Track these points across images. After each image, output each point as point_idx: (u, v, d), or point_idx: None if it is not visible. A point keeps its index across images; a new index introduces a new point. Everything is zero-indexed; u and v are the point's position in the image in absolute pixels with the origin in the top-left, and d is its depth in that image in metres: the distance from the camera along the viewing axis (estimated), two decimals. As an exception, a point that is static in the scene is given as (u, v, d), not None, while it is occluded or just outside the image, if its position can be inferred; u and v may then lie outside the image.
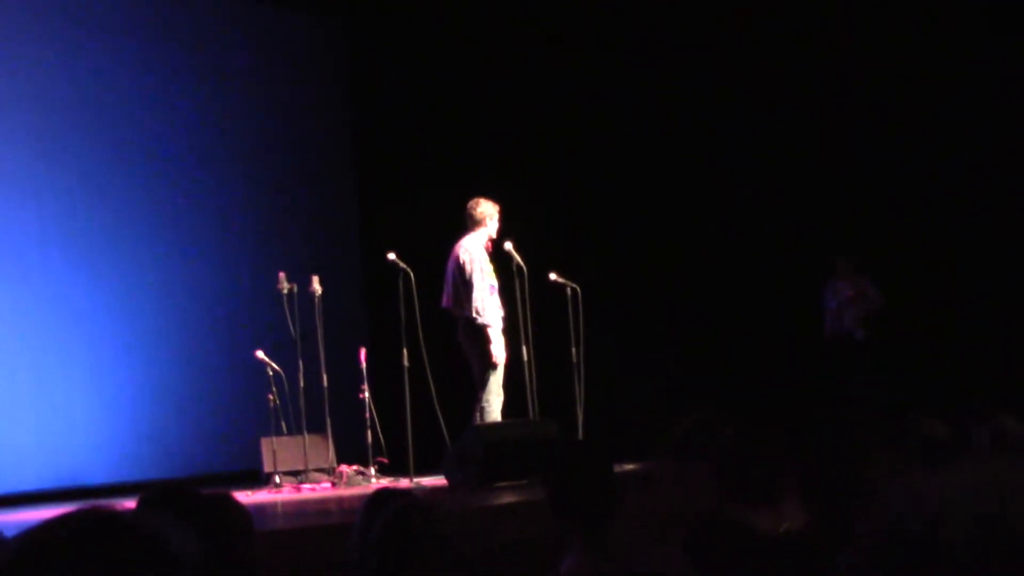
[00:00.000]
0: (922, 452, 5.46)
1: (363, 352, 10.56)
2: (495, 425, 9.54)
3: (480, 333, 9.59)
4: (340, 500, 9.49)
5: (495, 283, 9.69)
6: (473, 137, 12.07)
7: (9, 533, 2.99)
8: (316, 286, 10.48)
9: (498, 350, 9.61)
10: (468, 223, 9.76)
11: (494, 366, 9.59)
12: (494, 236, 9.76)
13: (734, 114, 12.03)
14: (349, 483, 10.16)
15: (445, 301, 9.76)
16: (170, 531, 1.61)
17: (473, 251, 9.63)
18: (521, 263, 9.97)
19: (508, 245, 9.98)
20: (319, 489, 10.10)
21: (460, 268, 9.62)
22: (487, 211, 9.74)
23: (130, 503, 2.70)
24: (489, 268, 9.68)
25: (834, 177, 12.13)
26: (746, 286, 11.85)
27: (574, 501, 4.04)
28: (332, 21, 13.16)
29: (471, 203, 9.78)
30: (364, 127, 12.64)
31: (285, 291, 10.44)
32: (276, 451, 10.40)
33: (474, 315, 9.57)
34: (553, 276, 10.30)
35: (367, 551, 3.60)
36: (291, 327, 10.38)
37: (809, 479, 4.26)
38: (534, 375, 9.99)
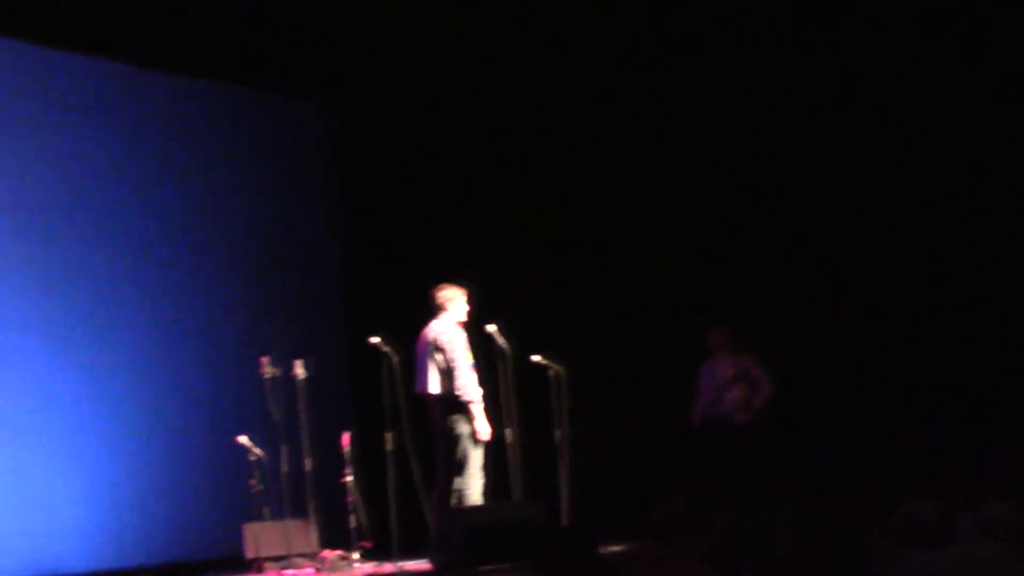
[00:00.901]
0: (911, 534, 5.45)
1: (346, 436, 10.52)
2: (480, 508, 9.48)
3: (465, 410, 9.55)
4: (323, 586, 9.42)
5: (473, 362, 9.69)
6: (457, 223, 12.11)
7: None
8: (299, 370, 10.45)
9: (484, 427, 9.57)
10: (433, 309, 9.79)
11: (478, 442, 9.55)
12: (463, 319, 9.77)
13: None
14: (332, 568, 10.09)
15: (419, 386, 9.73)
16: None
17: (451, 331, 9.64)
18: (504, 345, 9.96)
19: (491, 327, 9.99)
20: (302, 575, 10.01)
21: (438, 349, 9.61)
22: (450, 295, 9.78)
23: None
24: (468, 347, 9.69)
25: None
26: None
27: (564, 585, 4.01)
28: (315, 106, 13.22)
29: (435, 288, 9.82)
30: (348, 212, 12.67)
31: (268, 376, 10.42)
32: (259, 537, 10.32)
33: (459, 392, 9.54)
34: (536, 358, 10.29)
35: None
36: (273, 411, 10.34)
37: (804, 561, 4.25)
38: (519, 457, 9.95)
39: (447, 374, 9.59)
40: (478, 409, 9.60)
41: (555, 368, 10.20)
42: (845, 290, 11.70)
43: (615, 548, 8.95)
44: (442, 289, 9.84)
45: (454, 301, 9.78)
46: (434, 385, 9.64)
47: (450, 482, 9.61)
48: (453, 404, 9.59)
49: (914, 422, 11.08)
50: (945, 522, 5.49)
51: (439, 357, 9.63)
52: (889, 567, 4.75)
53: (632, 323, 11.83)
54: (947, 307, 11.22)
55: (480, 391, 9.67)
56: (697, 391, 11.61)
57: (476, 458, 9.61)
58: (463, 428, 9.59)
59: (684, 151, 12.12)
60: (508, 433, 9.91)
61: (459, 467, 9.58)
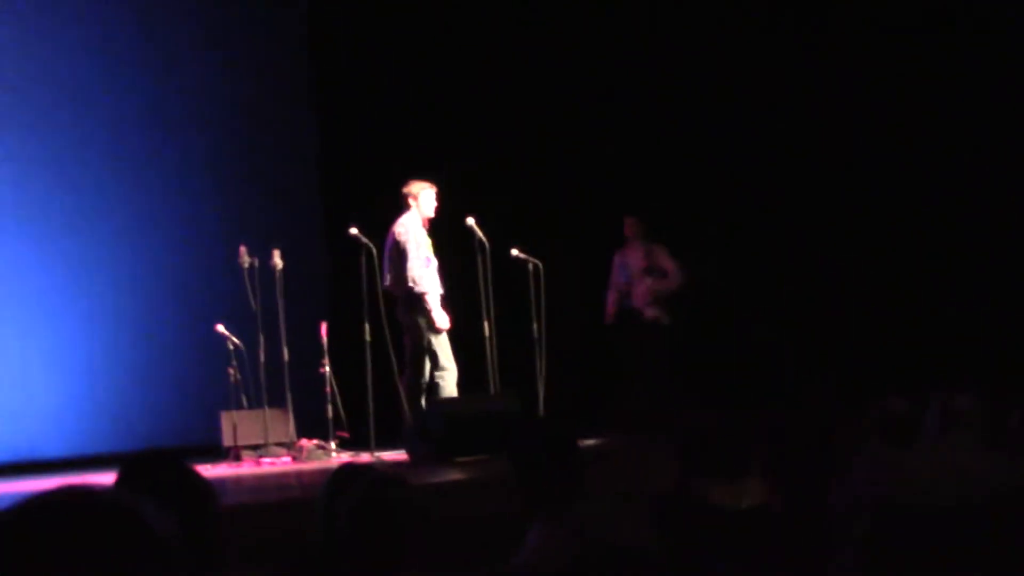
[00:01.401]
0: (883, 429, 5.52)
1: (324, 327, 10.55)
2: (457, 400, 9.57)
3: (418, 302, 9.60)
4: (301, 474, 9.51)
5: (431, 256, 9.73)
6: (437, 112, 12.04)
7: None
8: (277, 260, 10.46)
9: (439, 316, 9.62)
10: (402, 203, 9.80)
11: (437, 331, 9.60)
12: (430, 215, 9.79)
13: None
14: (309, 457, 10.17)
15: (385, 281, 9.78)
16: (149, 508, 1.61)
17: (408, 226, 9.69)
18: (483, 238, 9.98)
19: (470, 221, 10.01)
20: (279, 463, 10.10)
21: (395, 244, 9.66)
22: (416, 190, 9.78)
23: (104, 477, 2.68)
24: (425, 242, 9.72)
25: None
26: (708, 261, 11.80)
27: (539, 477, 4.05)
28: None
29: (405, 184, 9.83)
30: (327, 100, 12.57)
31: (246, 265, 10.42)
32: (236, 425, 10.39)
33: (410, 284, 9.59)
34: (515, 252, 10.32)
35: (334, 525, 3.61)
36: (251, 301, 10.36)
37: (773, 456, 4.30)
38: (495, 350, 10.02)
39: (401, 266, 9.64)
40: (431, 299, 9.64)
41: (533, 261, 10.22)
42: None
43: (589, 441, 9.06)
44: (410, 184, 9.83)
45: (421, 196, 9.78)
46: (394, 279, 9.69)
47: (417, 374, 9.68)
48: (411, 298, 9.64)
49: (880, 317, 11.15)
50: (914, 419, 5.56)
51: (394, 251, 9.68)
52: (860, 463, 4.81)
53: (609, 216, 11.81)
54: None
55: (438, 288, 9.70)
56: (611, 281, 11.37)
57: (443, 349, 9.67)
58: (423, 321, 9.65)
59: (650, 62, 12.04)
60: (486, 326, 9.96)
61: (432, 360, 9.65)
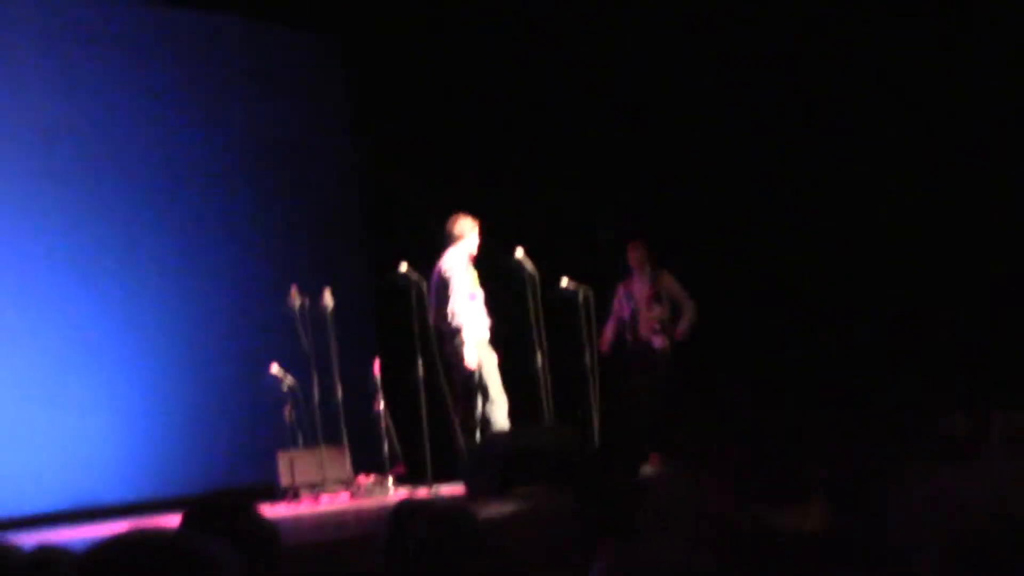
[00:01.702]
0: (942, 450, 5.47)
1: (377, 363, 10.58)
2: (512, 432, 9.57)
3: (457, 337, 9.64)
4: (359, 511, 9.51)
5: (476, 291, 9.76)
6: (482, 147, 12.08)
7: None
8: (328, 299, 10.51)
9: (469, 354, 9.64)
10: (447, 239, 9.83)
11: (465, 371, 9.63)
12: (474, 252, 9.84)
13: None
14: (368, 493, 10.19)
15: (432, 318, 9.81)
16: (218, 550, 1.62)
17: (453, 262, 9.72)
18: (532, 270, 10.00)
19: (519, 253, 10.02)
20: (337, 501, 10.12)
21: (440, 279, 9.70)
22: (465, 227, 9.84)
23: (165, 521, 2.70)
24: (469, 277, 9.77)
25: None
26: (762, 284, 11.74)
27: (603, 510, 4.05)
28: (334, 35, 13.16)
29: (450, 220, 9.87)
30: (371, 139, 12.65)
31: (297, 305, 10.48)
32: (293, 464, 10.43)
33: (449, 319, 9.62)
34: (564, 282, 10.32)
35: (399, 560, 3.61)
36: (304, 341, 10.40)
37: (835, 478, 4.27)
38: (548, 382, 10.01)
39: (444, 301, 9.66)
40: (466, 336, 9.68)
41: (583, 291, 10.22)
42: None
43: (646, 470, 9.03)
44: (454, 220, 9.87)
45: (465, 232, 9.82)
46: (440, 317, 9.73)
47: (469, 408, 9.69)
48: (452, 332, 9.68)
49: (944, 335, 11.05)
50: (976, 437, 5.51)
51: (440, 287, 9.72)
52: (919, 486, 4.77)
53: (659, 242, 11.80)
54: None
55: (484, 322, 9.74)
56: (613, 309, 11.09)
57: (492, 381, 9.70)
58: (459, 358, 9.69)
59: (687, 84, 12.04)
60: (538, 357, 9.96)
61: (482, 393, 9.67)
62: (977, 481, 5.02)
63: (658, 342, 10.90)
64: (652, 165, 12.05)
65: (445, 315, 9.67)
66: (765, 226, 11.75)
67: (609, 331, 11.04)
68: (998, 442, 5.48)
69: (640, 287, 11.00)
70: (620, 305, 11.05)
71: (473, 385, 9.68)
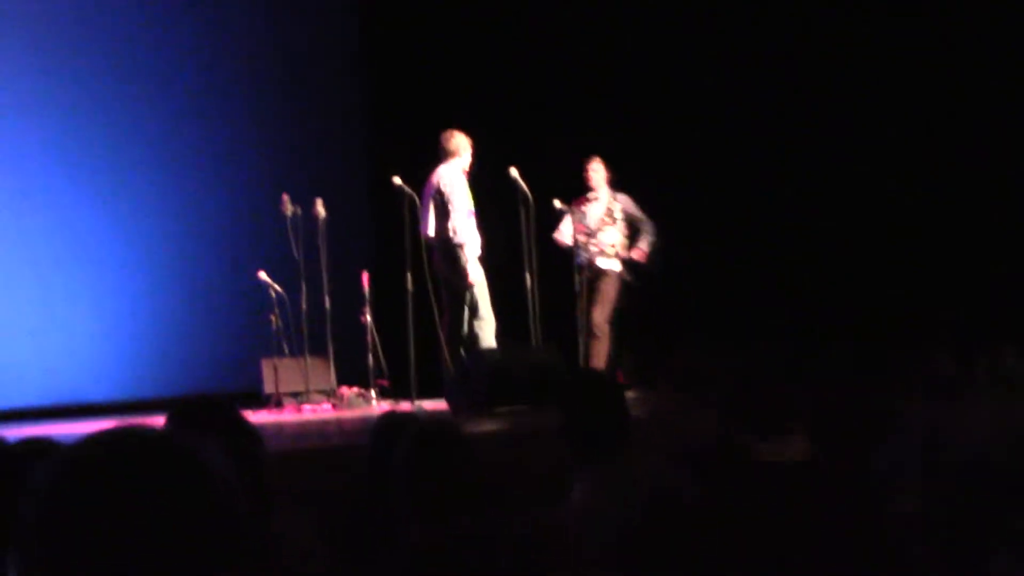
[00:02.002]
0: (929, 388, 5.49)
1: (366, 276, 10.57)
2: (498, 350, 9.57)
3: (456, 253, 9.61)
4: (341, 422, 9.55)
5: (472, 208, 9.72)
6: (482, 62, 11.98)
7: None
8: (320, 209, 10.47)
9: (473, 270, 9.63)
10: (441, 154, 9.76)
11: (469, 286, 9.61)
12: (467, 168, 9.77)
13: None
14: (350, 405, 10.21)
15: (427, 231, 9.75)
16: (209, 450, 1.61)
17: (452, 176, 9.65)
18: (526, 190, 9.96)
19: (513, 172, 9.98)
20: (320, 411, 10.14)
21: (439, 193, 9.64)
22: (460, 143, 9.77)
23: (150, 421, 2.69)
24: (467, 193, 9.71)
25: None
26: (756, 212, 11.67)
27: (587, 429, 4.06)
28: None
29: (444, 134, 9.79)
30: (372, 47, 12.54)
31: (289, 213, 10.44)
32: (277, 372, 10.44)
33: (451, 235, 9.59)
34: (557, 203, 10.29)
35: (383, 471, 3.62)
36: (294, 249, 10.38)
37: (817, 411, 4.28)
38: (537, 302, 10.01)
39: (444, 216, 9.63)
40: (469, 252, 9.65)
41: (577, 213, 10.18)
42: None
43: (632, 394, 9.05)
44: (450, 135, 9.80)
45: (460, 148, 9.76)
46: (432, 229, 9.68)
47: (456, 324, 9.69)
48: (449, 248, 9.65)
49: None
50: (963, 376, 5.52)
51: (438, 200, 9.66)
52: (904, 421, 4.79)
53: (654, 170, 11.75)
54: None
55: (477, 239, 9.70)
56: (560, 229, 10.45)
57: (482, 300, 9.69)
58: (467, 272, 9.66)
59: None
60: (528, 278, 9.96)
61: (471, 310, 9.66)
62: (963, 418, 5.04)
63: (613, 266, 10.48)
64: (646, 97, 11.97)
65: (445, 230, 9.62)
66: (748, 154, 11.70)
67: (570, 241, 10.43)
68: (984, 381, 5.50)
69: (596, 207, 10.51)
70: (573, 223, 10.46)
71: (461, 302, 9.67)
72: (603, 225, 10.43)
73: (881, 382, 4.79)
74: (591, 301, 10.35)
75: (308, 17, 12.45)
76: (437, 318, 9.86)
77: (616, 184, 10.54)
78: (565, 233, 10.38)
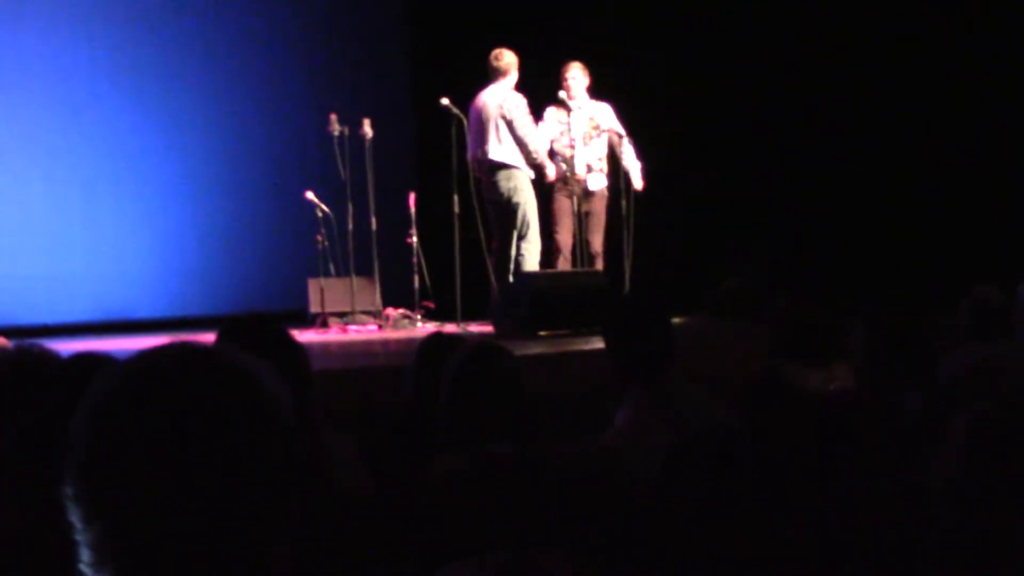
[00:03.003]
0: (976, 320, 5.46)
1: (412, 197, 10.57)
2: (543, 274, 9.57)
3: (513, 174, 9.60)
4: (386, 342, 9.59)
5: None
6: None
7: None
8: (367, 129, 10.45)
9: (531, 191, 9.70)
10: (492, 74, 9.70)
11: (521, 207, 9.62)
12: (514, 86, 9.75)
13: None
14: (395, 326, 10.25)
15: (478, 151, 9.68)
16: (255, 365, 1.62)
17: (515, 97, 9.64)
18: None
19: (562, 94, 9.93)
20: (365, 331, 10.18)
21: (503, 115, 9.58)
22: (511, 61, 9.72)
23: (199, 338, 2.71)
24: None
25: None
26: (807, 147, 11.59)
27: (632, 353, 4.06)
28: None
29: (495, 53, 9.72)
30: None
31: (336, 133, 10.44)
32: (323, 291, 10.48)
33: (531, 154, 9.63)
34: (604, 128, 10.22)
35: (429, 391, 3.63)
36: (341, 169, 10.38)
37: (865, 342, 4.26)
38: (581, 227, 9.98)
39: (513, 140, 9.59)
40: (550, 171, 9.76)
41: (619, 134, 10.10)
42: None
43: (676, 320, 9.04)
44: (501, 55, 9.74)
45: (512, 67, 9.72)
46: (496, 151, 9.63)
47: (506, 247, 9.69)
48: (512, 170, 9.62)
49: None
50: (1007, 308, 5.50)
51: (502, 123, 9.62)
52: (951, 356, 4.77)
53: (704, 99, 11.66)
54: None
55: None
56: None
57: (533, 222, 9.69)
58: (522, 195, 9.64)
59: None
60: (575, 201, 9.92)
61: (521, 232, 9.65)
62: (1008, 355, 5.02)
63: (596, 183, 9.99)
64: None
65: (516, 150, 9.57)
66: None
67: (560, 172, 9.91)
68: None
69: (578, 117, 9.92)
70: (553, 135, 9.91)
71: (512, 224, 9.65)
72: (588, 139, 9.99)
73: (930, 314, 4.76)
74: (586, 226, 9.96)
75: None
76: (483, 241, 9.86)
77: (594, 92, 10.11)
78: (542, 146, 9.83)
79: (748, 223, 11.50)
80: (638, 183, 9.93)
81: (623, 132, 9.99)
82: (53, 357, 3.06)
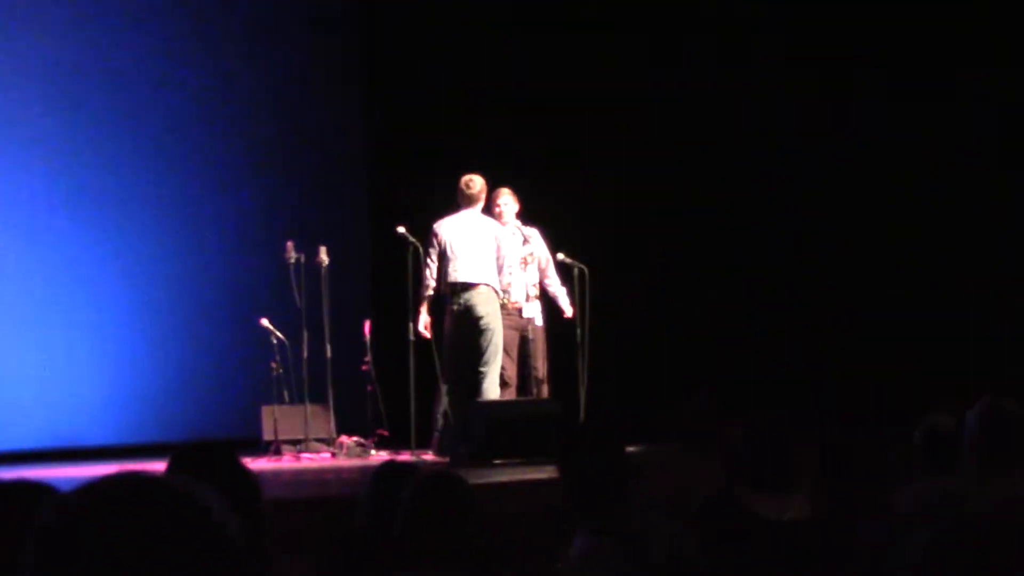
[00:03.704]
0: (927, 449, 5.47)
1: (368, 324, 10.57)
2: (498, 402, 9.56)
3: (492, 299, 9.72)
4: (340, 471, 9.53)
5: None
6: (487, 115, 12.01)
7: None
8: (323, 256, 10.48)
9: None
10: (465, 201, 9.79)
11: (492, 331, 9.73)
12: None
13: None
14: (349, 454, 10.19)
15: (469, 275, 9.71)
16: (211, 497, 1.61)
17: (496, 225, 9.82)
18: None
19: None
20: (318, 459, 10.12)
21: (496, 241, 9.74)
22: (483, 187, 9.86)
23: (149, 466, 2.68)
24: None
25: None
26: (761, 272, 11.67)
27: (586, 484, 4.04)
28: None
29: (466, 180, 9.82)
30: (377, 99, 12.58)
31: (292, 260, 10.46)
32: (277, 419, 10.42)
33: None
34: (561, 256, 10.30)
35: (380, 521, 3.60)
36: (296, 297, 10.39)
37: (822, 473, 4.27)
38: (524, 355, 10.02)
39: (499, 267, 9.73)
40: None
41: (579, 266, 10.19)
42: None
43: (631, 448, 9.03)
44: (472, 182, 9.82)
45: (483, 194, 9.84)
46: (483, 274, 9.67)
47: (475, 370, 9.72)
48: (492, 294, 9.68)
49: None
50: (959, 435, 5.51)
51: (492, 247, 9.70)
52: (905, 486, 4.78)
53: (655, 225, 11.77)
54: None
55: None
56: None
57: (500, 349, 9.75)
58: (497, 320, 9.65)
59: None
60: (530, 330, 9.95)
61: (493, 358, 9.65)
62: (961, 484, 5.03)
63: (532, 311, 9.94)
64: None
65: (494, 277, 9.71)
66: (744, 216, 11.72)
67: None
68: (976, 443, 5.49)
69: (511, 242, 9.92)
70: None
71: (486, 349, 9.67)
72: (525, 264, 10.00)
73: (883, 443, 4.79)
74: (530, 354, 9.94)
75: (309, 63, 12.47)
76: (438, 368, 9.84)
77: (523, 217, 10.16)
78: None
79: (702, 346, 11.53)
80: (568, 309, 10.05)
81: (550, 257, 10.11)
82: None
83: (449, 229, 9.73)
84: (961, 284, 11.01)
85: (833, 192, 11.55)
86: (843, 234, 11.50)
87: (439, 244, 9.71)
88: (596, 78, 12.01)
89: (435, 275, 9.74)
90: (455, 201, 9.86)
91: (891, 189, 11.44)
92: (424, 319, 9.80)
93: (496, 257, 9.69)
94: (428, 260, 9.74)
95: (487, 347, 9.61)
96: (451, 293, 9.72)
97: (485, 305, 9.65)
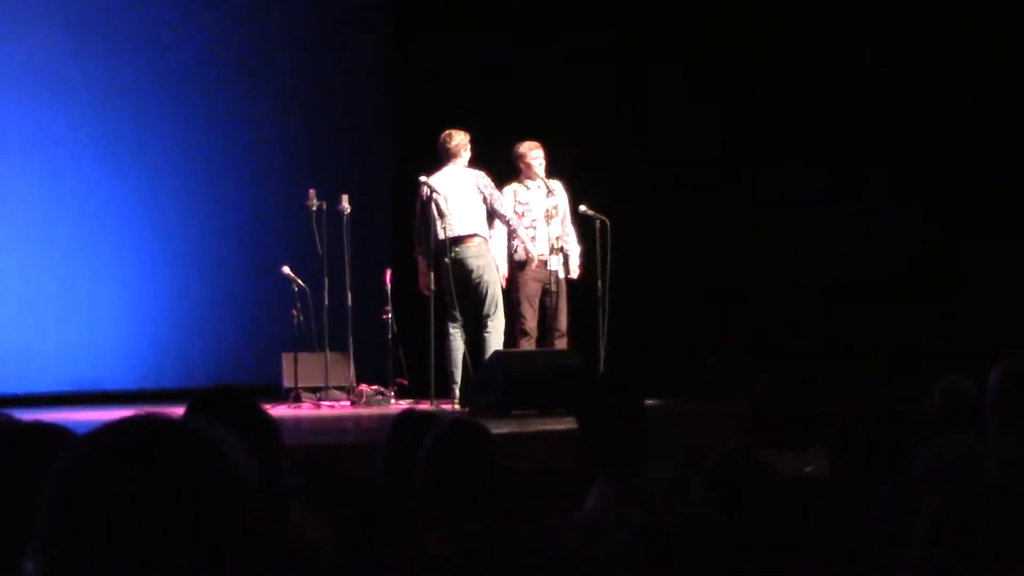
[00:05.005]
0: (950, 409, 5.45)
1: (389, 273, 10.57)
2: (518, 353, 9.59)
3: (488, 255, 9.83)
4: (359, 419, 9.56)
5: None
6: (511, 67, 11.95)
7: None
8: (345, 204, 10.47)
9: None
10: (446, 155, 9.90)
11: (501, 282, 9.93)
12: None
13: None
14: (368, 402, 10.21)
15: (460, 228, 9.79)
16: (230, 441, 1.61)
17: (485, 177, 9.87)
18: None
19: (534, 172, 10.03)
20: (338, 407, 10.15)
21: (480, 191, 9.81)
22: (464, 141, 9.92)
23: (169, 411, 2.67)
24: None
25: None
26: (788, 227, 11.60)
27: (604, 437, 4.04)
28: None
29: (446, 134, 9.95)
30: (402, 46, 12.54)
31: (314, 208, 10.45)
32: (297, 367, 10.44)
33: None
34: (583, 208, 10.27)
35: (397, 469, 3.60)
36: (318, 244, 10.39)
37: (839, 430, 4.25)
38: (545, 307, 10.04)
39: (487, 216, 9.79)
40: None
41: (600, 218, 10.15)
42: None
43: (650, 403, 9.01)
44: (451, 136, 9.90)
45: (463, 148, 9.90)
46: (470, 226, 9.75)
47: (480, 322, 9.78)
48: (483, 246, 9.72)
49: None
50: (982, 400, 5.49)
51: (478, 199, 9.74)
52: (923, 447, 4.75)
53: (684, 176, 11.70)
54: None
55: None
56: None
57: (501, 302, 9.84)
58: (492, 273, 9.77)
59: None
60: (553, 283, 9.96)
61: (494, 308, 9.73)
62: (980, 446, 5.01)
63: (556, 263, 9.94)
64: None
65: (508, 222, 9.89)
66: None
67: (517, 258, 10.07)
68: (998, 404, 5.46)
69: (537, 196, 10.05)
70: (515, 216, 9.96)
71: (491, 300, 9.78)
72: (549, 218, 10.04)
73: (906, 402, 4.76)
74: (556, 307, 9.96)
75: (335, 13, 12.44)
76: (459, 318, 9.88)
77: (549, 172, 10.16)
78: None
79: (727, 300, 11.49)
80: (575, 271, 10.11)
81: (568, 211, 10.16)
82: (15, 424, 3.01)
83: (440, 185, 9.79)
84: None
85: (862, 141, 11.44)
86: (874, 188, 11.40)
87: (435, 201, 9.80)
88: (621, 32, 11.94)
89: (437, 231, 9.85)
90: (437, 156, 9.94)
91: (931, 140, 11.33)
92: (431, 276, 9.90)
93: (491, 205, 9.84)
94: (435, 215, 9.80)
95: (484, 298, 9.71)
96: (448, 247, 9.81)
97: (476, 258, 9.78)
